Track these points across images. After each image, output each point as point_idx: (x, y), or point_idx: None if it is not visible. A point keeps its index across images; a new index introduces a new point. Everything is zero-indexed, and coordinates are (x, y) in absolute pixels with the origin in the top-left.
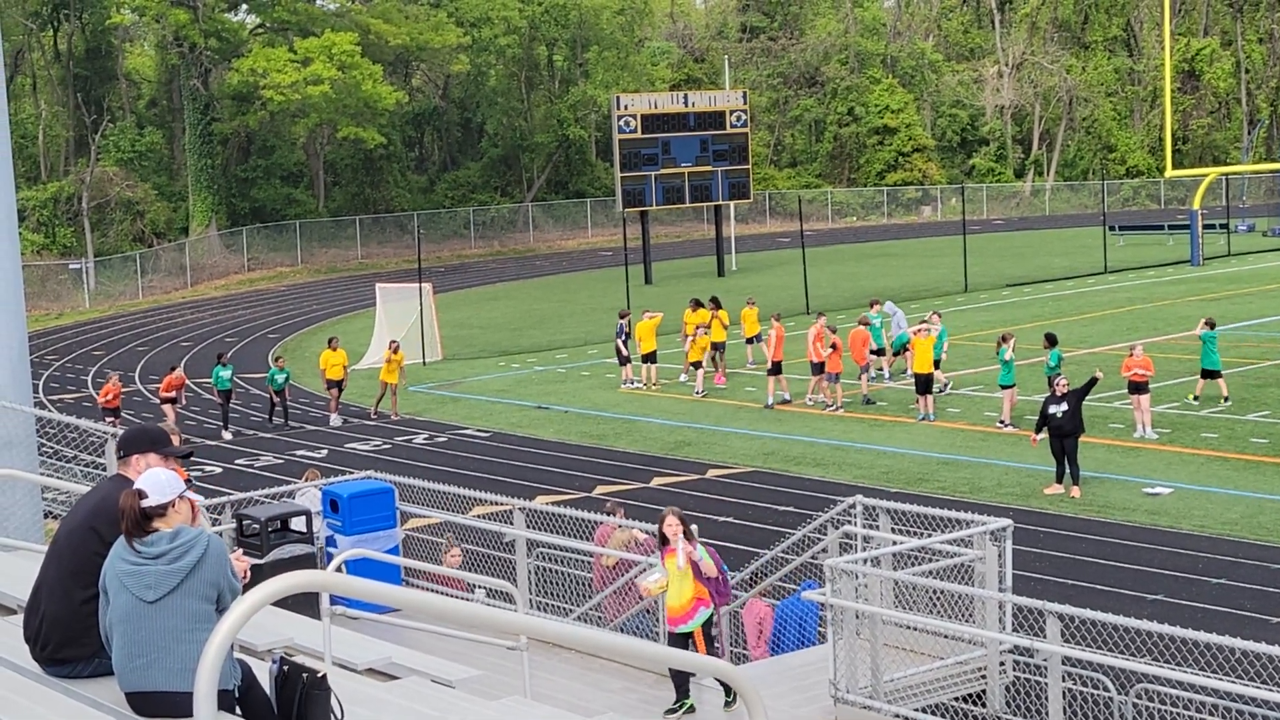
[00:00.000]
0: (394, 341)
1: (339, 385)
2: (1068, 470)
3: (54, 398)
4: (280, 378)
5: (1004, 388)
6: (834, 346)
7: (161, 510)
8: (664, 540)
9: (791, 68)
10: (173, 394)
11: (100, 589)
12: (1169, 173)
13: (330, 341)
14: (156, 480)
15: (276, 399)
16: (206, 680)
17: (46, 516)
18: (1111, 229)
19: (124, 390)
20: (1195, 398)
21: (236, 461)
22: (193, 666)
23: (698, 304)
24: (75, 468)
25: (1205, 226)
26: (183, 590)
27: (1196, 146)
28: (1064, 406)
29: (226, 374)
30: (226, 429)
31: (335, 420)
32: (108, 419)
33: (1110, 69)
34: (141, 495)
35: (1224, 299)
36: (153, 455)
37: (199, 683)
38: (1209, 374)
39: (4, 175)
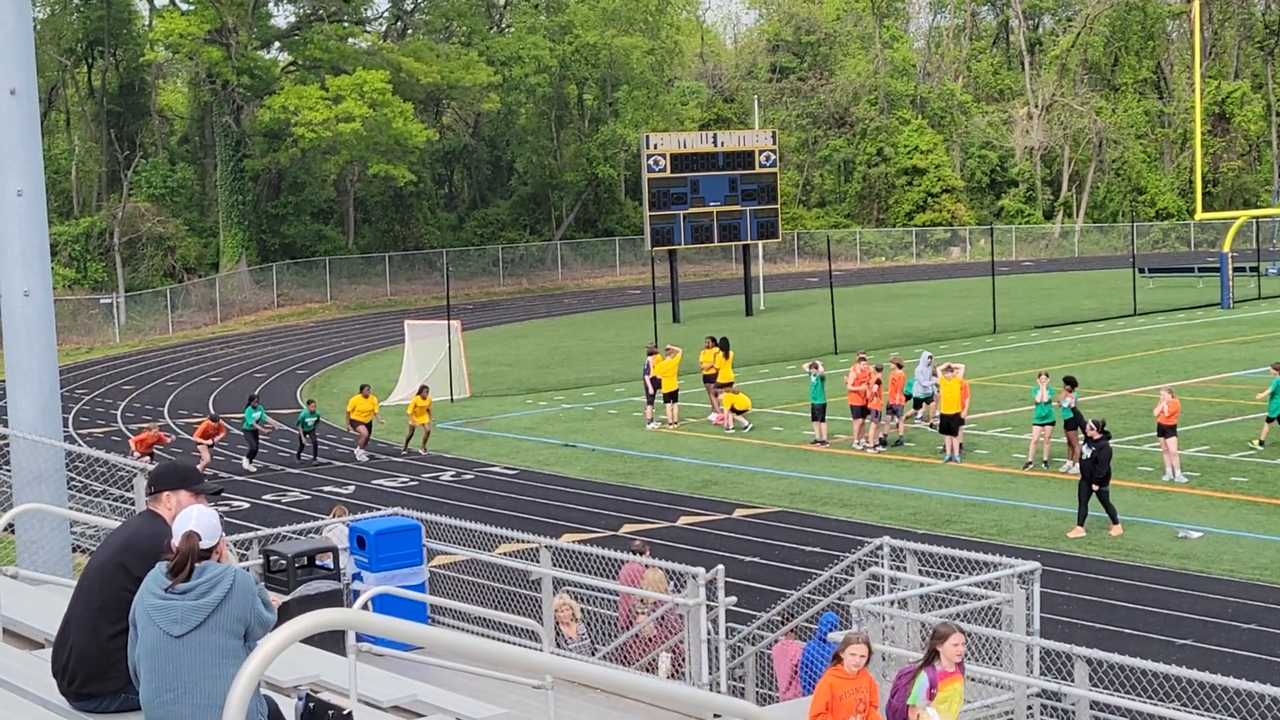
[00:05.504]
0: (424, 387)
1: (367, 426)
2: (1103, 511)
3: (83, 431)
4: (310, 420)
5: (1044, 425)
6: (878, 383)
7: (207, 554)
8: (931, 657)
9: (821, 108)
10: (210, 440)
11: (130, 623)
12: (1199, 215)
13: (362, 389)
14: (210, 523)
15: (305, 439)
16: (235, 716)
17: (75, 550)
18: (1141, 271)
19: (154, 425)
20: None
21: (264, 497)
22: (219, 702)
23: (713, 342)
24: (104, 502)
25: (1235, 269)
26: (209, 625)
27: (1227, 189)
28: (1088, 452)
29: (256, 415)
30: (251, 461)
31: (361, 455)
32: (140, 457)
33: (1140, 111)
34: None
35: (1254, 342)
36: (184, 492)
37: (227, 717)
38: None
39: (37, 210)
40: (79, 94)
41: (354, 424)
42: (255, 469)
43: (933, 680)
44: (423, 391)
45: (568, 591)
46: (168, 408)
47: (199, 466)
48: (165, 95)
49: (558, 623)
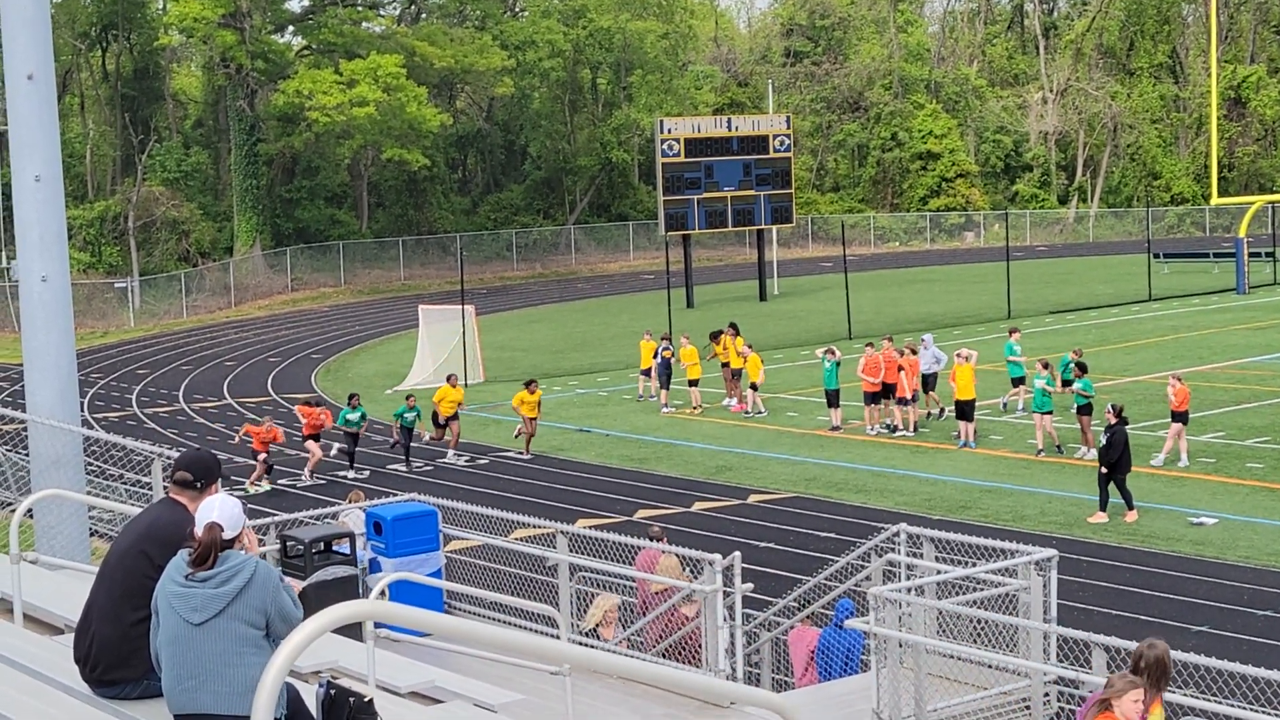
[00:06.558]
0: (531, 380)
1: (454, 419)
2: (1118, 498)
3: (99, 416)
4: (410, 416)
5: (1043, 414)
6: (900, 369)
7: (230, 543)
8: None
9: (835, 92)
10: (316, 430)
11: (152, 610)
12: (1214, 200)
13: (450, 378)
14: (233, 513)
15: (401, 436)
16: (264, 711)
17: (92, 535)
18: (1156, 256)
19: (169, 409)
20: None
21: (280, 482)
22: (240, 689)
23: (732, 330)
24: (121, 487)
25: (1251, 254)
26: (228, 614)
27: (1242, 174)
28: (1104, 438)
29: (355, 416)
30: (351, 468)
31: (455, 458)
32: (260, 459)
33: (1155, 95)
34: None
35: (1270, 327)
36: (219, 482)
37: (256, 713)
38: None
39: (55, 195)
40: (93, 78)
41: (441, 419)
42: (355, 475)
43: (1147, 705)
44: (531, 386)
45: (615, 592)
46: (183, 392)
47: (310, 465)
48: (179, 79)
49: (600, 624)
